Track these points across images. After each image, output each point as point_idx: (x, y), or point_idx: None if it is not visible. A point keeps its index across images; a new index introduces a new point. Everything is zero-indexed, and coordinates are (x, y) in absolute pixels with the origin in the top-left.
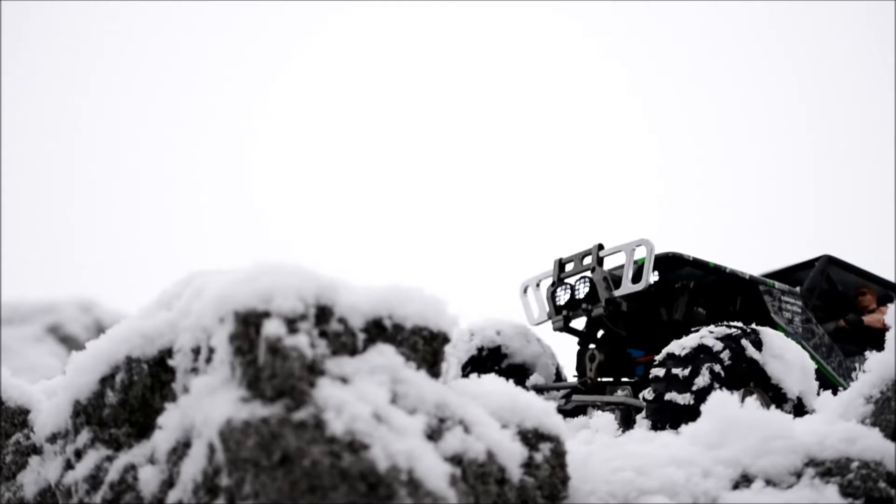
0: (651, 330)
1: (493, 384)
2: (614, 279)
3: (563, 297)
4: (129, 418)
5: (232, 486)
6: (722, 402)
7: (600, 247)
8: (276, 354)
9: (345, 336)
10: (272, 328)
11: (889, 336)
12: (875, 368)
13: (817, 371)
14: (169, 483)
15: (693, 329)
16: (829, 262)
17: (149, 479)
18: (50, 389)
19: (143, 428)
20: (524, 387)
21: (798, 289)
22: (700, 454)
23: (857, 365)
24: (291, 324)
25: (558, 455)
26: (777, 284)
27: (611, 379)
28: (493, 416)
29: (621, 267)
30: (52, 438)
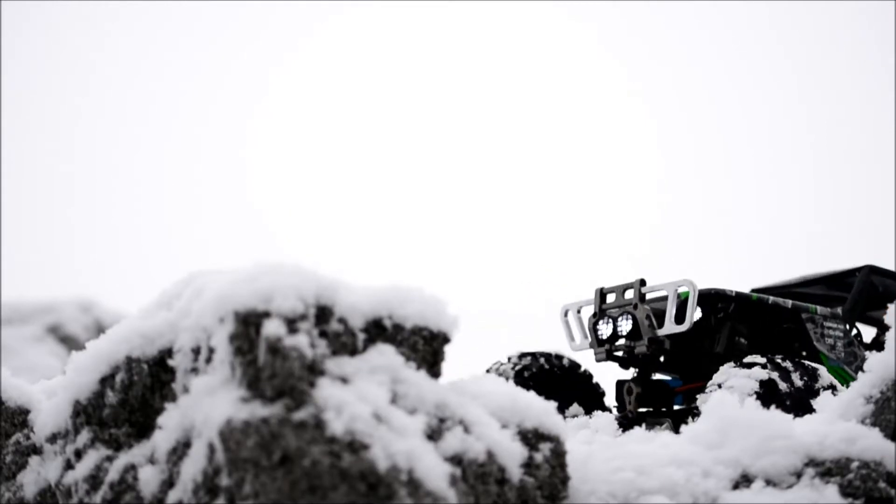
0: (692, 361)
1: (493, 384)
2: (657, 315)
3: (605, 330)
4: (129, 418)
5: (232, 486)
6: (722, 403)
7: (643, 282)
8: (276, 354)
9: (345, 336)
10: (272, 328)
11: (889, 336)
12: (875, 368)
13: None
14: (169, 483)
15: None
16: (872, 272)
17: (149, 479)
18: (50, 389)
19: (143, 428)
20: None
21: (839, 310)
22: (700, 454)
23: None
24: (291, 324)
25: (558, 455)
26: (819, 310)
27: (650, 409)
28: (493, 416)
29: (661, 299)
30: (52, 438)
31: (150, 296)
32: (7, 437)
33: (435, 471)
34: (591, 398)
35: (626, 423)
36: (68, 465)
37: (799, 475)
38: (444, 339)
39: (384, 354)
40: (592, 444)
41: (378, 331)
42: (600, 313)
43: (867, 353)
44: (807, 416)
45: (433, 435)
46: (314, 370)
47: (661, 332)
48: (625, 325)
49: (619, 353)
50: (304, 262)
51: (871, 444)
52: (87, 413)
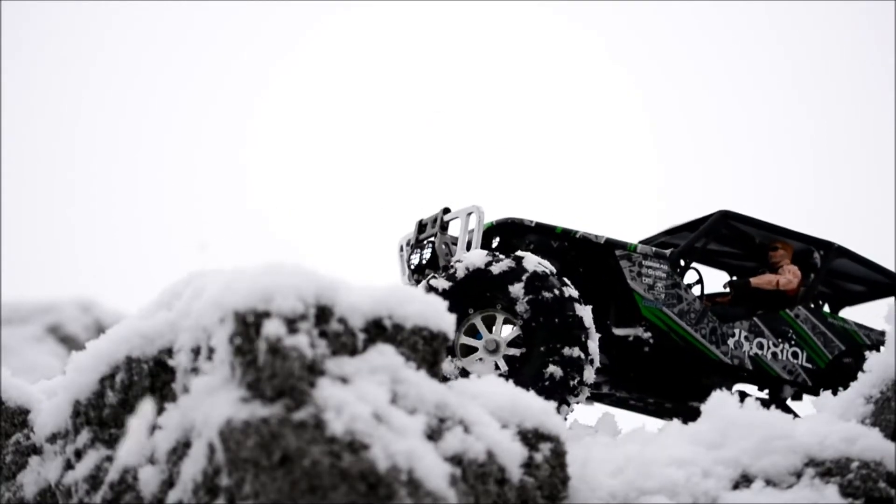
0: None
1: (493, 384)
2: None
3: (414, 259)
4: (129, 418)
5: (232, 486)
6: (722, 403)
7: (446, 210)
8: (276, 354)
9: (345, 336)
10: (272, 328)
11: (889, 336)
12: (875, 368)
13: (684, 339)
14: (169, 483)
15: None
16: (725, 217)
17: (149, 479)
18: (50, 389)
19: None
20: None
21: (668, 251)
22: (700, 454)
23: (737, 331)
24: (291, 324)
25: (558, 455)
26: (639, 247)
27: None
28: (493, 416)
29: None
30: (52, 438)
31: (150, 296)
32: (7, 437)
33: (435, 471)
34: None
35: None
36: (68, 465)
37: (799, 475)
38: (444, 339)
39: (384, 354)
40: (592, 444)
41: (378, 331)
42: (415, 244)
43: (698, 300)
44: (807, 416)
45: (433, 435)
46: (314, 370)
47: (453, 260)
48: (426, 254)
49: (422, 282)
50: (304, 262)
51: (871, 444)
52: (87, 413)
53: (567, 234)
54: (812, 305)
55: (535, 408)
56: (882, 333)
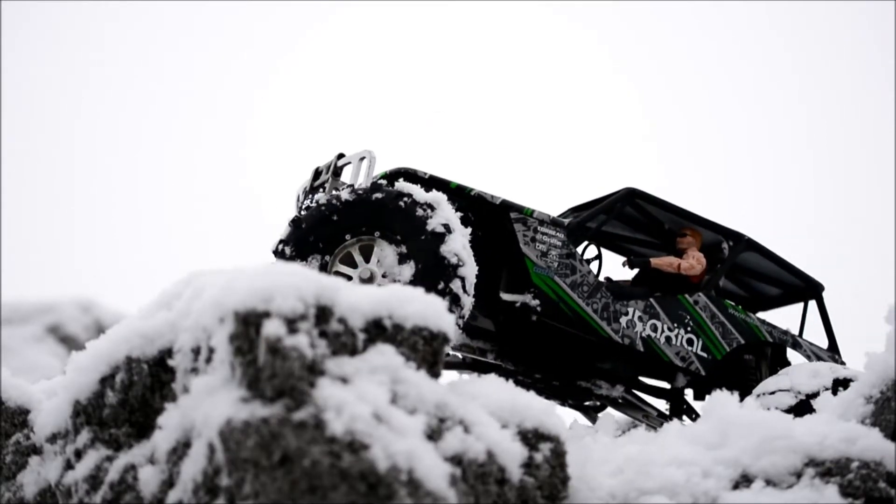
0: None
1: (493, 384)
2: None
3: (307, 205)
4: (129, 418)
5: (232, 486)
6: (722, 403)
7: (340, 156)
8: (276, 354)
9: (345, 336)
10: (272, 328)
11: (889, 335)
12: (875, 368)
13: (574, 311)
14: (169, 483)
15: None
16: (632, 195)
17: (149, 479)
18: (50, 389)
19: (143, 428)
20: None
21: (567, 220)
22: (700, 454)
23: (631, 310)
24: (291, 324)
25: (558, 455)
26: (536, 213)
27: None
28: (493, 416)
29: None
30: (52, 438)
31: (150, 296)
32: (7, 437)
33: (435, 471)
34: None
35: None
36: (68, 465)
37: (799, 475)
38: (444, 339)
39: (384, 354)
40: (592, 444)
41: (378, 331)
42: (310, 190)
43: (593, 274)
44: (807, 416)
45: (433, 435)
46: (314, 370)
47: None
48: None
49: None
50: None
51: (871, 444)
52: (87, 413)
53: (462, 191)
54: (714, 294)
55: (535, 408)
56: (785, 332)
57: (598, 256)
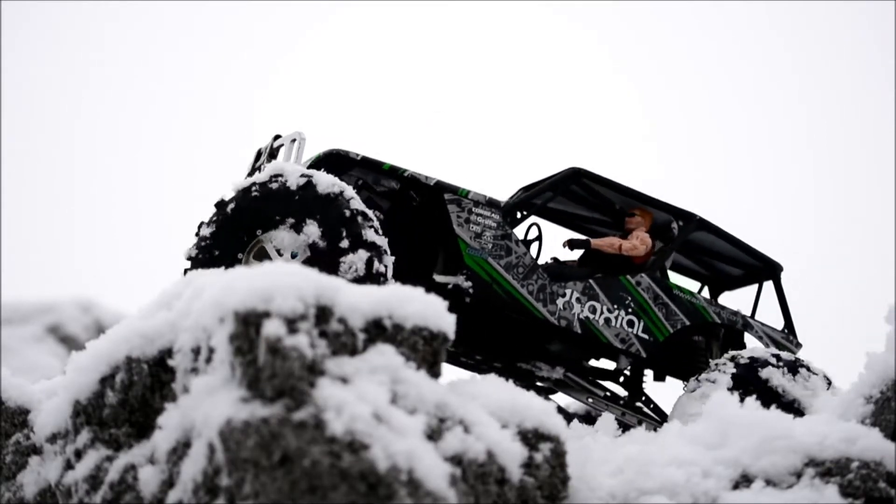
0: None
1: (493, 384)
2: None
3: None
4: (129, 418)
5: (232, 486)
6: (722, 403)
7: (276, 137)
8: (276, 354)
9: (345, 336)
10: (272, 328)
11: (889, 335)
12: (875, 368)
13: (508, 293)
14: (169, 483)
15: None
16: (576, 175)
17: (149, 479)
18: (50, 389)
19: (143, 428)
20: None
21: (503, 201)
22: (700, 454)
23: (568, 292)
24: (291, 324)
25: (558, 455)
26: (471, 194)
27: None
28: (493, 416)
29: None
30: (52, 438)
31: (150, 296)
32: (7, 437)
33: (435, 471)
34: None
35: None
36: (68, 465)
37: (799, 475)
38: (444, 339)
39: (384, 354)
40: (592, 444)
41: (378, 331)
42: (250, 172)
43: (531, 255)
44: (807, 416)
45: (433, 435)
46: (314, 370)
47: (274, 186)
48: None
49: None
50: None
51: (871, 444)
52: (87, 413)
53: (395, 172)
54: (659, 275)
55: (535, 408)
56: (735, 313)
57: (539, 237)
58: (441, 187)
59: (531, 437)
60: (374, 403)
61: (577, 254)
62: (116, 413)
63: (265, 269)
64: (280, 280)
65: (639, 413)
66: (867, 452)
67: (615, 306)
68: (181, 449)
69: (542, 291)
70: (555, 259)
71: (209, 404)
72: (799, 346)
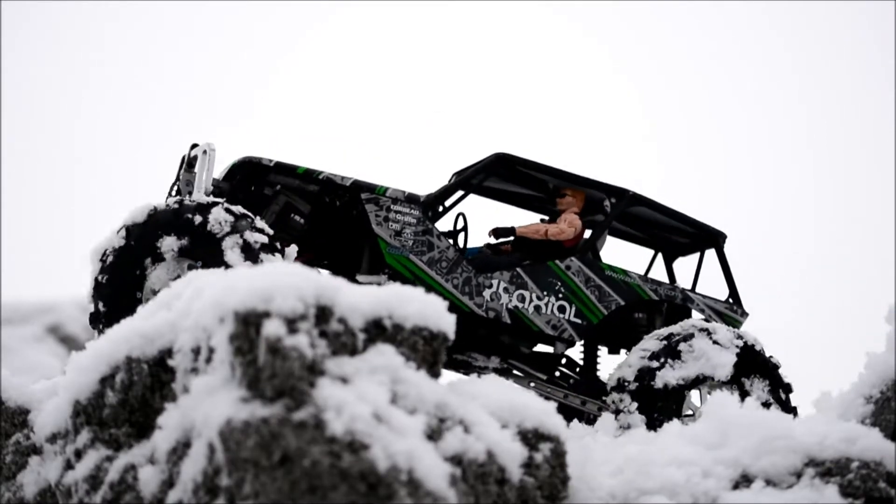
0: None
1: (493, 384)
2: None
3: (169, 197)
4: (129, 418)
5: (232, 486)
6: (722, 403)
7: (193, 146)
8: (276, 354)
9: (345, 336)
10: (272, 328)
11: (889, 335)
12: (875, 368)
13: (432, 288)
14: (169, 483)
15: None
16: (499, 161)
17: (149, 479)
18: (50, 389)
19: (143, 428)
20: None
21: (424, 195)
22: (700, 454)
23: (495, 282)
24: (291, 324)
25: (558, 455)
26: (389, 191)
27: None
28: (493, 416)
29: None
30: (52, 438)
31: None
32: (7, 437)
33: (435, 471)
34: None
35: None
36: (68, 465)
37: (799, 475)
38: (444, 339)
39: (384, 354)
40: (592, 444)
41: (378, 331)
42: (175, 180)
43: (454, 248)
44: (807, 416)
45: (433, 435)
46: (314, 370)
47: (188, 200)
48: (173, 192)
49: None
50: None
51: (871, 444)
52: (87, 413)
53: (310, 176)
54: (591, 257)
55: (535, 408)
56: (673, 288)
57: (465, 228)
58: (358, 187)
59: (531, 437)
60: (374, 403)
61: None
62: (116, 413)
63: (265, 269)
64: (280, 280)
65: (581, 395)
66: (867, 452)
67: (545, 293)
68: (181, 449)
69: (468, 284)
70: (488, 246)
71: (209, 404)
72: (745, 314)
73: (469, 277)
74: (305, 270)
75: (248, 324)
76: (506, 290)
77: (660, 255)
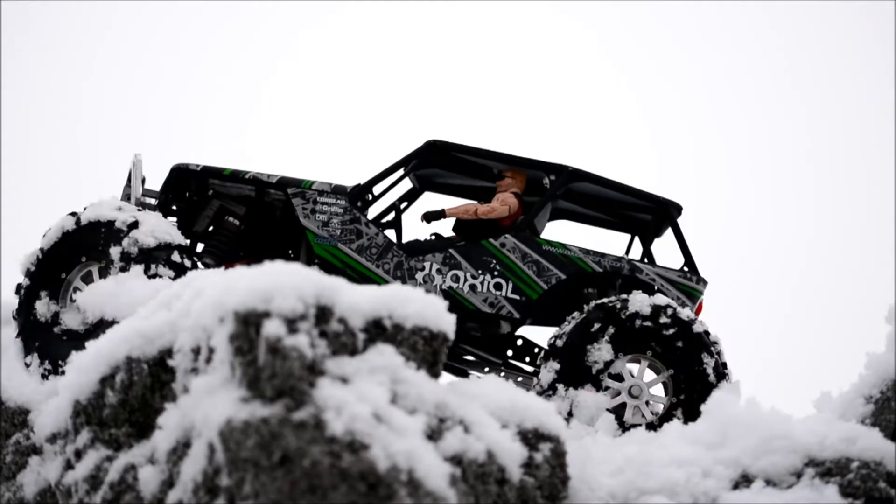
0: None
1: (493, 384)
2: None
3: None
4: (129, 418)
5: (232, 486)
6: (722, 403)
7: (137, 154)
8: (276, 354)
9: (345, 336)
10: (272, 328)
11: (889, 335)
12: (875, 368)
13: (362, 274)
14: (169, 483)
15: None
16: (431, 147)
17: (149, 479)
18: (50, 389)
19: (143, 428)
20: None
21: (351, 186)
22: (700, 454)
23: (427, 265)
24: (291, 324)
25: (558, 455)
26: (315, 184)
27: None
28: (493, 416)
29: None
30: (52, 438)
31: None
32: (7, 437)
33: (435, 471)
34: None
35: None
36: (68, 465)
37: (799, 475)
38: (444, 339)
39: (384, 354)
40: (592, 444)
41: (378, 331)
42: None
43: (384, 235)
44: (807, 416)
45: (433, 435)
46: (314, 370)
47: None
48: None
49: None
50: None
51: (871, 444)
52: (87, 413)
53: (237, 176)
54: (529, 233)
55: (535, 408)
56: (619, 259)
57: (398, 217)
58: (284, 183)
59: (531, 437)
60: (374, 403)
61: (448, 224)
62: (116, 413)
63: (265, 269)
64: (280, 280)
65: (515, 371)
66: (867, 452)
67: (479, 272)
68: (181, 449)
69: (399, 268)
70: (436, 235)
71: (209, 404)
72: (704, 282)
73: (400, 262)
74: (306, 270)
75: (248, 324)
76: (438, 271)
77: (636, 241)
